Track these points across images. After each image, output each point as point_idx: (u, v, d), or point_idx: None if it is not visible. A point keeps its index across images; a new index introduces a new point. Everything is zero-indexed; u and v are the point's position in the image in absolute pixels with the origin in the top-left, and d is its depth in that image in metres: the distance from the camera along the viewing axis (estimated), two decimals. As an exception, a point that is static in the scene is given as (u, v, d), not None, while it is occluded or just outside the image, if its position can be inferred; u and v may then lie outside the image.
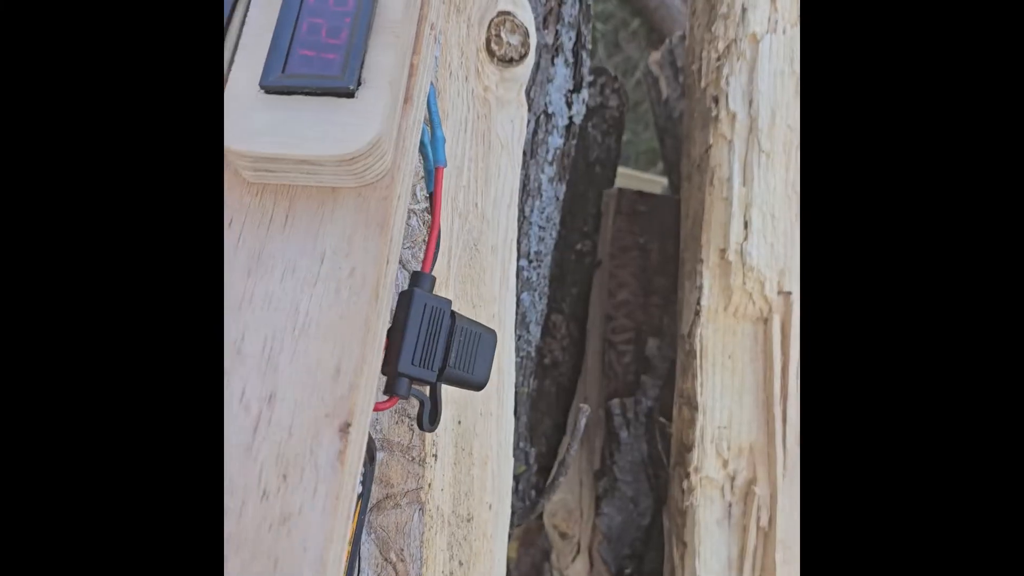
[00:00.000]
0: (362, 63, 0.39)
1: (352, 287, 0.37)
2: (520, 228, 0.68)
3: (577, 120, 0.70)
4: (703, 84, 0.69)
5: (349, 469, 0.35)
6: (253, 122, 0.38)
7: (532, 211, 0.68)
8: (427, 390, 0.43)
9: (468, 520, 0.52)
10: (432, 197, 0.46)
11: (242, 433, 0.35)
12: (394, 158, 0.40)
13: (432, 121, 0.46)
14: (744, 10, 0.66)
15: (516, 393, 0.70)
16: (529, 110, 0.68)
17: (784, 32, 0.66)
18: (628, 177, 1.13)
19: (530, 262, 0.68)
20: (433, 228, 0.45)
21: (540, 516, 0.78)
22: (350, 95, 0.39)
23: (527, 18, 0.62)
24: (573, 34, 0.70)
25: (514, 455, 0.70)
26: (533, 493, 0.72)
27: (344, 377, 0.36)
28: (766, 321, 0.64)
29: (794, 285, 0.64)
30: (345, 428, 0.35)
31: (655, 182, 1.14)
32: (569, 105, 0.69)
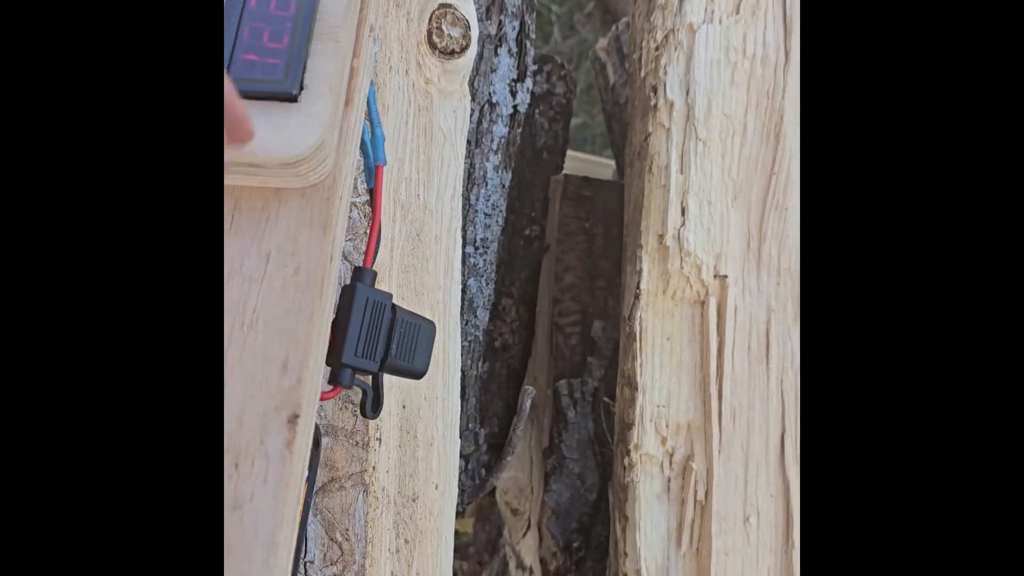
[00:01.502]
0: (304, 68, 0.41)
1: (297, 284, 0.39)
2: (466, 216, 0.70)
3: (522, 109, 0.72)
4: (643, 73, 0.71)
5: (297, 457, 0.37)
6: (198, 126, 0.39)
7: (478, 199, 0.70)
8: (370, 380, 0.45)
9: (413, 500, 0.55)
10: (372, 194, 0.47)
11: (192, 425, 0.36)
12: (336, 160, 0.42)
13: (372, 120, 0.48)
14: (681, 1, 0.68)
15: (465, 376, 0.72)
16: (473, 100, 0.69)
17: (720, 22, 0.68)
18: (579, 160, 1.15)
19: (476, 249, 0.70)
20: (374, 225, 0.46)
21: (493, 493, 0.81)
22: (293, 99, 0.40)
23: (469, 10, 0.63)
24: (517, 24, 0.72)
25: (464, 436, 0.72)
26: (483, 472, 0.74)
27: (291, 371, 0.38)
28: (703, 304, 0.67)
29: (729, 269, 0.66)
30: (293, 419, 0.37)
31: (606, 165, 1.17)
32: (513, 94, 0.71)
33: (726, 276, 0.66)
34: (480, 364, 0.74)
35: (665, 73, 0.68)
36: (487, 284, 0.71)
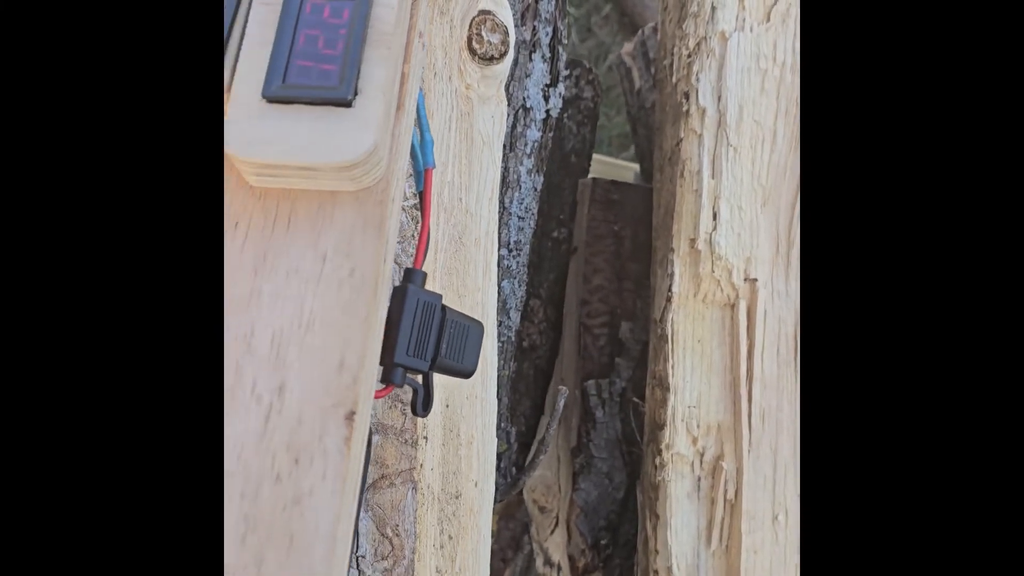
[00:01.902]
0: (358, 74, 0.42)
1: (353, 285, 0.40)
2: (500, 219, 0.71)
3: (554, 113, 0.73)
4: (674, 79, 0.72)
5: (355, 453, 0.38)
6: (256, 131, 0.41)
7: (512, 202, 0.71)
8: (420, 378, 0.46)
9: (456, 497, 0.56)
10: (422, 197, 0.48)
11: (255, 421, 0.38)
12: (389, 163, 0.43)
13: (420, 124, 0.49)
14: (713, 9, 0.69)
15: (498, 376, 0.73)
16: (508, 105, 0.71)
17: (751, 30, 0.69)
18: (602, 163, 1.16)
19: (510, 251, 0.71)
20: (424, 227, 0.47)
21: (520, 491, 0.82)
22: (348, 104, 0.41)
23: (507, 17, 0.65)
24: (550, 29, 0.73)
25: (497, 435, 0.73)
26: (514, 470, 0.75)
27: (348, 369, 0.39)
28: (732, 307, 0.68)
29: (759, 273, 0.67)
30: (350, 416, 0.38)
31: (627, 168, 1.18)
32: (546, 99, 0.72)
33: (756, 280, 0.67)
34: (511, 364, 0.75)
35: (697, 80, 0.68)
36: (520, 286, 0.72)
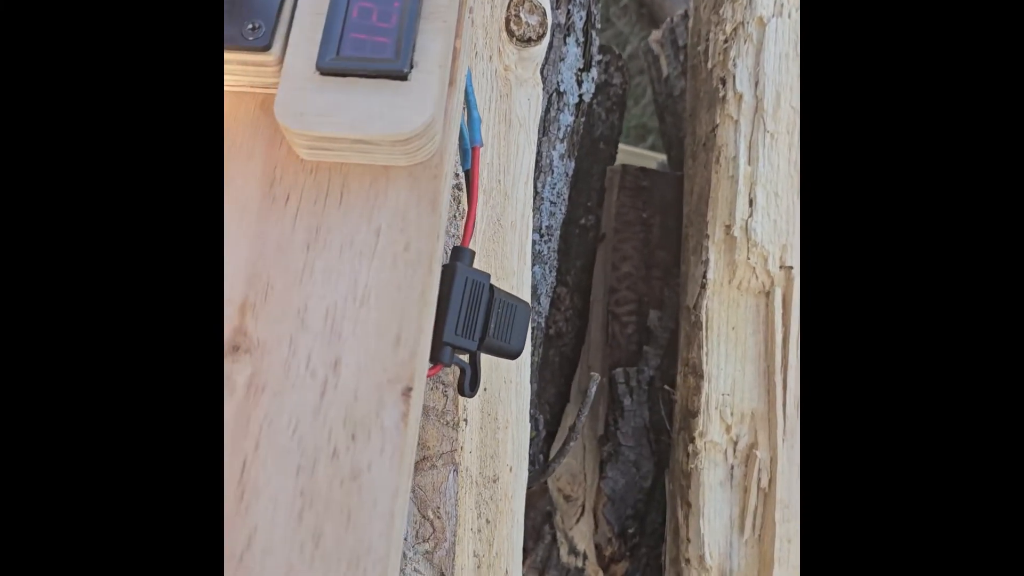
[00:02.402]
0: (413, 47, 0.41)
1: (408, 260, 0.40)
2: (533, 203, 0.71)
3: (586, 98, 0.72)
4: (710, 65, 0.71)
5: (411, 429, 0.37)
6: (310, 103, 0.40)
7: (544, 187, 0.70)
8: (467, 358, 0.45)
9: (494, 481, 0.55)
10: (469, 175, 0.48)
11: (310, 396, 0.37)
12: (442, 138, 0.42)
13: (469, 102, 0.48)
14: (751, -6, 0.69)
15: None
16: (543, 89, 0.70)
17: (789, 16, 0.68)
18: (627, 153, 1.16)
19: (541, 236, 0.71)
20: (472, 204, 0.47)
21: (544, 480, 0.81)
22: (404, 78, 0.41)
23: (543, -1, 0.64)
24: (584, 14, 0.73)
25: (527, 421, 0.73)
26: (541, 458, 0.75)
27: (405, 344, 0.38)
28: (768, 294, 0.67)
29: (795, 260, 0.67)
30: (407, 392, 0.37)
31: (652, 158, 1.17)
32: (579, 83, 0.72)
33: (792, 267, 0.66)
34: (539, 351, 0.75)
35: (734, 65, 0.68)
36: (550, 272, 0.72)
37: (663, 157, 1.00)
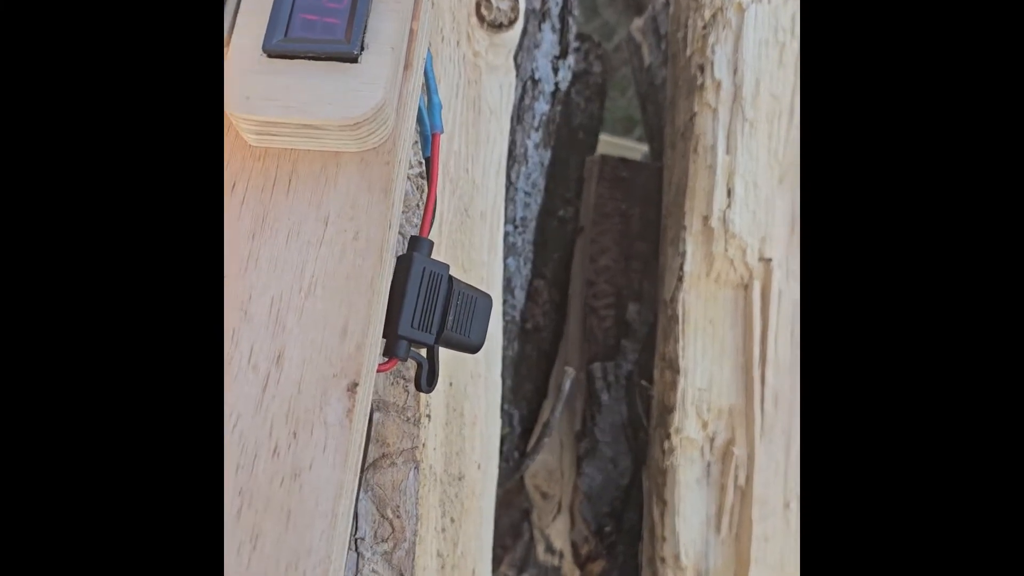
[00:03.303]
0: (365, 28, 0.40)
1: (357, 249, 0.38)
2: (506, 194, 0.69)
3: (563, 86, 0.71)
4: (688, 52, 0.70)
5: (357, 427, 0.36)
6: (257, 87, 0.38)
7: (518, 177, 0.68)
8: (424, 352, 0.44)
9: (460, 479, 0.54)
10: (429, 162, 0.46)
11: (251, 391, 0.36)
12: (396, 123, 0.40)
13: (428, 87, 0.47)
14: (730, -21, 0.67)
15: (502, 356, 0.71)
16: (516, 76, 0.68)
17: (769, 2, 0.67)
18: (609, 144, 1.14)
19: (516, 227, 0.69)
20: (431, 193, 0.45)
21: (520, 477, 0.80)
22: (354, 60, 0.39)
23: (516, -17, 0.62)
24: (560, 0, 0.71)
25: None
26: (516, 454, 0.73)
27: (351, 337, 0.37)
28: (746, 287, 0.65)
29: (774, 252, 0.65)
30: (353, 387, 0.36)
31: (635, 149, 1.15)
32: (555, 71, 0.70)
33: (771, 259, 0.65)
34: (514, 345, 0.73)
35: (713, 52, 0.66)
36: (525, 264, 0.70)
37: (646, 148, 0.98)
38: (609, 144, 1.15)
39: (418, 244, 0.44)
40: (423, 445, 0.50)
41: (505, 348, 0.71)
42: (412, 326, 0.42)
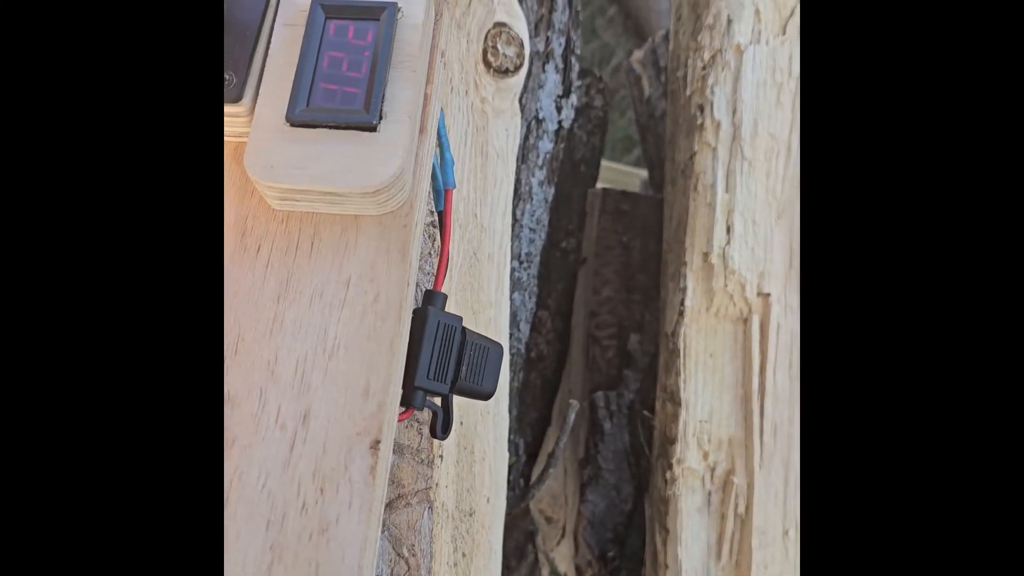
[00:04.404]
0: (383, 97, 0.42)
1: (377, 311, 0.40)
2: (512, 231, 0.71)
3: (566, 124, 0.73)
4: (688, 92, 0.72)
5: (379, 482, 0.38)
6: (280, 155, 0.40)
7: (523, 214, 0.70)
8: (439, 401, 0.46)
9: (470, 515, 0.56)
10: (442, 217, 0.48)
11: (280, 450, 0.37)
12: (412, 187, 0.42)
13: (441, 144, 0.49)
14: (729, 21, 0.69)
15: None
16: (521, 117, 0.70)
17: (767, 43, 0.69)
18: (609, 169, 1.16)
19: (521, 263, 0.71)
20: (444, 248, 0.47)
21: (524, 505, 0.82)
22: (373, 129, 0.41)
23: (522, 29, 0.64)
24: (563, 40, 0.73)
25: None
26: (522, 482, 0.75)
27: (373, 397, 0.38)
28: (745, 321, 0.68)
29: (773, 287, 0.67)
30: (375, 445, 0.38)
31: (634, 174, 1.17)
32: (559, 110, 0.72)
33: (769, 294, 0.67)
34: (519, 375, 0.75)
35: (712, 93, 0.68)
36: (530, 298, 0.72)
37: (646, 173, 1.00)
38: (611, 170, 1.17)
39: (432, 298, 0.46)
40: (436, 485, 0.52)
41: (511, 380, 0.73)
42: (428, 377, 0.44)
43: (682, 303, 0.68)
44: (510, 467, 0.75)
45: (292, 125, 0.41)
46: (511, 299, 0.72)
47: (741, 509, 0.66)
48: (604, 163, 1.17)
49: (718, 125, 0.68)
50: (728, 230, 0.67)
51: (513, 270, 0.71)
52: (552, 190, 0.73)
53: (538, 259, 0.73)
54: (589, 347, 0.80)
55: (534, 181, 0.71)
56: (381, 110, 0.41)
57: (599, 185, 0.87)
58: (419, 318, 0.44)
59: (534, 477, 0.77)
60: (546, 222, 0.73)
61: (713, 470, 0.67)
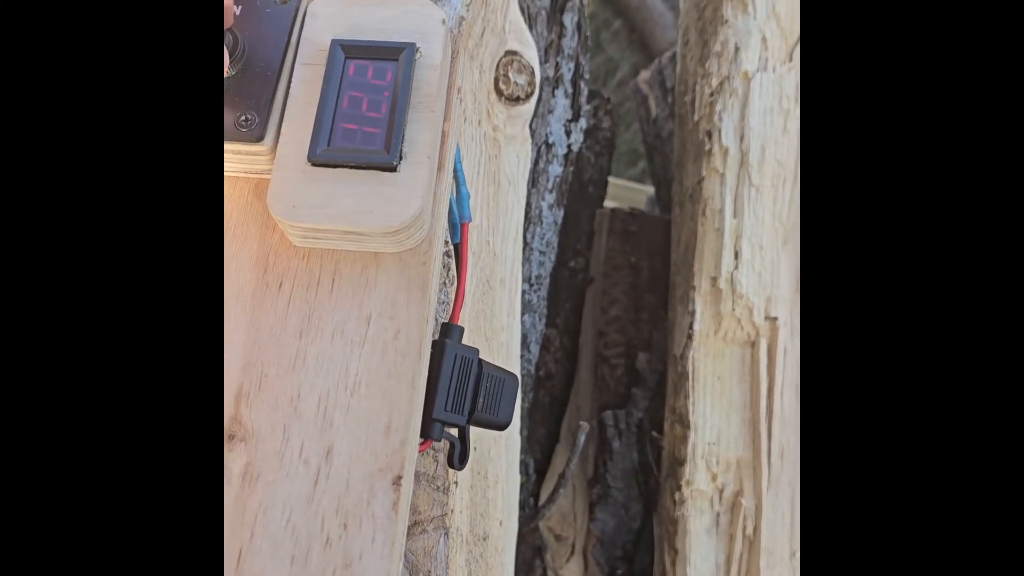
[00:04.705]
0: (402, 137, 0.43)
1: (398, 348, 0.41)
2: (522, 254, 0.72)
3: (575, 148, 0.74)
4: (696, 117, 0.73)
5: (401, 517, 0.39)
6: (302, 195, 0.41)
7: (533, 237, 0.71)
8: (456, 432, 0.47)
9: (484, 539, 0.56)
10: (458, 249, 0.49)
11: (303, 486, 0.38)
12: (431, 224, 0.43)
13: (457, 179, 0.49)
14: (737, 49, 0.70)
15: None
16: (531, 142, 0.71)
17: (774, 70, 0.70)
18: (616, 186, 1.17)
19: (531, 286, 0.72)
20: (461, 281, 0.48)
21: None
22: (393, 169, 0.42)
23: (533, 57, 0.65)
24: (572, 65, 0.74)
25: (518, 469, 0.74)
26: (532, 501, 0.76)
27: (395, 433, 0.39)
28: (753, 345, 0.68)
29: (780, 311, 0.68)
30: (397, 481, 0.39)
31: (641, 191, 1.18)
32: (568, 134, 0.73)
33: (776, 318, 0.68)
34: (529, 395, 0.76)
35: (720, 119, 0.69)
36: (540, 319, 0.73)
37: (652, 190, 1.01)
38: (617, 186, 1.18)
39: (449, 331, 0.46)
40: (451, 511, 0.53)
41: (522, 401, 0.74)
42: (445, 409, 0.45)
43: (691, 326, 0.69)
44: (520, 486, 0.75)
45: (313, 164, 0.42)
46: (522, 322, 0.73)
47: (749, 530, 0.67)
48: (611, 179, 1.18)
49: (726, 151, 0.69)
50: (736, 255, 0.68)
51: (523, 293, 0.72)
52: (561, 212, 0.74)
53: (548, 281, 0.74)
54: (598, 366, 0.81)
55: (544, 205, 0.72)
56: (401, 151, 0.42)
57: (606, 202, 0.88)
58: (437, 351, 0.45)
59: (543, 496, 0.78)
60: (555, 244, 0.74)
61: (721, 491, 0.68)
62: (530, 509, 0.76)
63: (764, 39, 0.70)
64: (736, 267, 0.68)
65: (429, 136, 0.43)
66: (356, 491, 0.38)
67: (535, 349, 0.73)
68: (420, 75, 0.44)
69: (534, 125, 0.72)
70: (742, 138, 0.69)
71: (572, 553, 0.80)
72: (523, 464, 0.76)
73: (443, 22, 0.46)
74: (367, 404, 0.40)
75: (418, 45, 0.44)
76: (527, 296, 0.72)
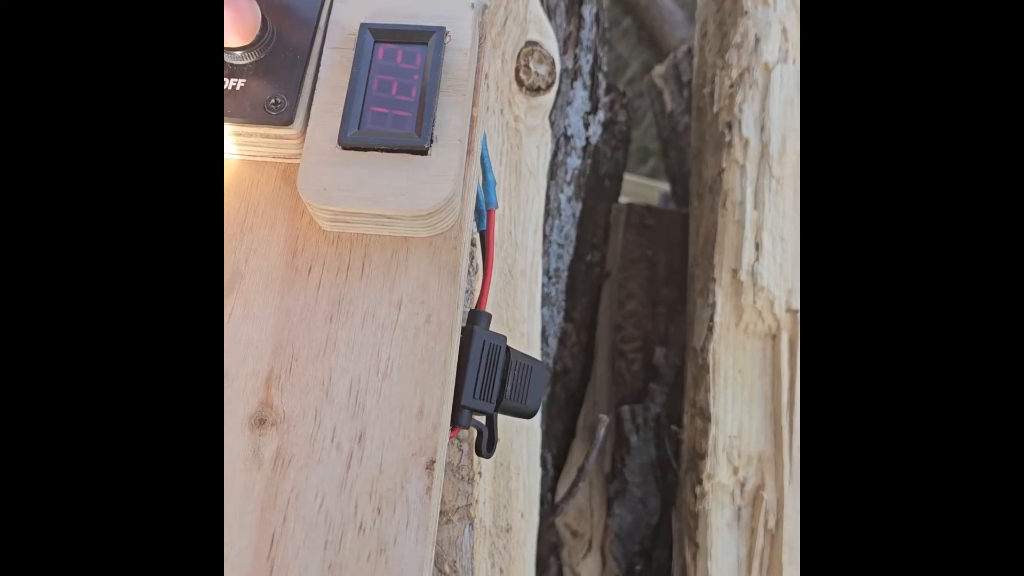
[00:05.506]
0: (433, 120, 0.42)
1: (429, 332, 0.41)
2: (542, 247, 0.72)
3: (593, 140, 0.73)
4: (716, 109, 0.72)
5: (435, 501, 0.38)
6: (333, 178, 0.41)
7: (552, 230, 0.71)
8: (484, 419, 0.46)
9: (507, 531, 0.56)
10: (484, 237, 0.49)
11: (336, 470, 0.38)
12: (461, 208, 0.43)
13: (484, 165, 0.49)
14: (757, 40, 0.70)
15: (538, 403, 0.73)
16: (550, 133, 0.71)
17: (794, 62, 0.69)
18: (629, 183, 1.17)
19: (550, 279, 0.72)
20: (488, 267, 0.48)
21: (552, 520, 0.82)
22: (424, 153, 0.41)
23: (552, 48, 0.65)
24: (590, 57, 0.74)
25: (537, 463, 0.74)
26: (550, 496, 0.76)
27: (428, 418, 0.39)
28: (774, 337, 0.68)
29: (799, 303, 0.68)
30: (431, 465, 0.38)
31: (654, 187, 1.18)
32: (586, 126, 0.72)
33: (798, 311, 0.67)
34: (546, 390, 0.76)
35: (740, 111, 0.69)
36: (558, 313, 0.72)
37: (666, 187, 1.01)
38: (630, 183, 1.17)
39: (477, 318, 0.46)
40: (476, 502, 0.53)
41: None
42: (474, 396, 0.44)
43: (711, 319, 0.68)
44: (540, 480, 0.75)
45: (344, 148, 0.41)
46: (541, 314, 0.72)
47: (771, 524, 0.66)
48: (630, 177, 1.18)
49: (747, 143, 0.69)
50: (757, 247, 0.68)
51: (542, 285, 0.72)
52: (580, 205, 0.74)
53: (566, 274, 0.73)
54: (615, 360, 0.80)
55: (563, 197, 0.71)
56: (432, 134, 0.42)
57: (619, 198, 0.88)
58: (465, 338, 0.45)
59: (560, 491, 0.77)
60: (574, 237, 0.74)
61: (743, 485, 0.67)
62: (548, 505, 0.75)
63: (784, 30, 0.69)
64: (757, 259, 0.67)
65: (459, 120, 0.43)
66: (390, 475, 0.38)
67: (553, 343, 0.73)
68: (449, 59, 0.44)
69: (553, 117, 0.71)
70: (763, 129, 0.68)
71: (589, 549, 0.79)
72: (541, 459, 0.76)
73: (472, 6, 0.45)
74: (399, 388, 0.39)
75: (447, 29, 0.44)
76: (546, 289, 0.72)
